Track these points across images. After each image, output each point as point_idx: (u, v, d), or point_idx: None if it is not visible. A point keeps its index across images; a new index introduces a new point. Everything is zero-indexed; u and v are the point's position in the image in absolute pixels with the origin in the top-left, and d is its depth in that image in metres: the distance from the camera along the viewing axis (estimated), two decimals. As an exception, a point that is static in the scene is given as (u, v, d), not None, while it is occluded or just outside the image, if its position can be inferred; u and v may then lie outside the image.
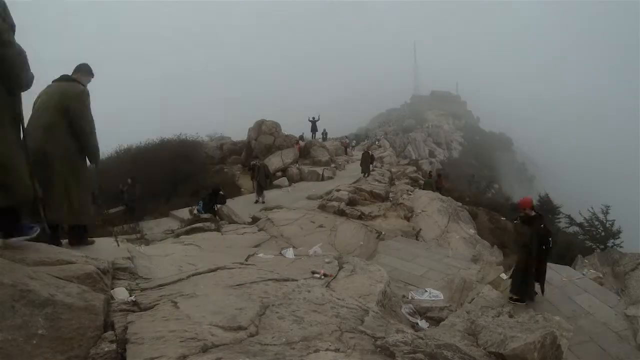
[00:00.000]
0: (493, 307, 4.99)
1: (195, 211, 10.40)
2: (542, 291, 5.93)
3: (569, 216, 19.98)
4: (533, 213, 5.92)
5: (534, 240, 5.59)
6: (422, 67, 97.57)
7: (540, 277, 5.86)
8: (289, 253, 5.95)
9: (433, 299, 5.95)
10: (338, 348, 1.88)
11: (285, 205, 11.67)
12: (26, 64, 2.16)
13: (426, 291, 6.22)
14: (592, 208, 18.90)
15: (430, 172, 22.47)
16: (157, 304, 2.19)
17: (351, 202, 11.74)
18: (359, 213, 10.63)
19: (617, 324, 5.53)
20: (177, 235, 8.16)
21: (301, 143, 22.16)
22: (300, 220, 9.58)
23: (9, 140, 2.11)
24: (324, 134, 30.52)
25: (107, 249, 3.80)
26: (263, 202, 12.83)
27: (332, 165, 21.12)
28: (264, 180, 13.46)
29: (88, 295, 1.89)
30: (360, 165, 18.40)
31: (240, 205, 12.20)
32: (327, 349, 1.84)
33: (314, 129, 27.60)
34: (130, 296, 2.34)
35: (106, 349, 1.67)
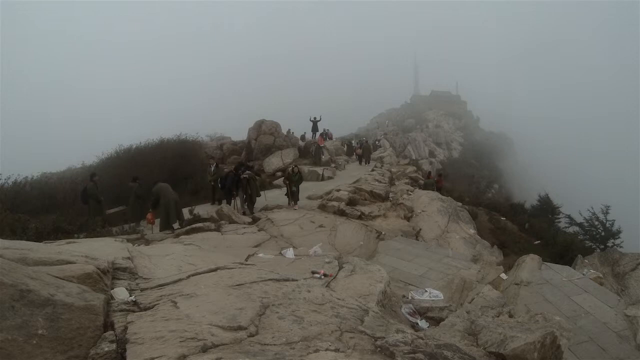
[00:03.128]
0: (493, 307, 4.99)
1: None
2: None
3: (569, 216, 19.99)
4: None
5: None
6: (422, 67, 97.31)
7: None
8: (289, 253, 5.96)
9: (433, 299, 5.95)
10: (338, 348, 1.88)
11: (285, 205, 11.67)
12: None
13: (426, 291, 6.22)
14: (592, 208, 18.91)
15: (429, 172, 22.53)
16: (157, 304, 2.19)
17: (351, 202, 11.73)
18: (359, 213, 10.62)
19: (617, 324, 5.53)
20: (177, 235, 8.16)
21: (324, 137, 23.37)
22: (300, 220, 9.58)
23: None
24: (324, 134, 30.51)
25: (107, 249, 3.80)
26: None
27: (332, 165, 21.11)
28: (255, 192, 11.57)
29: (88, 295, 1.89)
30: (362, 156, 21.43)
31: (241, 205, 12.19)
32: (327, 349, 1.84)
33: (314, 129, 27.56)
34: (130, 296, 2.33)
35: (106, 349, 1.67)
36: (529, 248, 12.29)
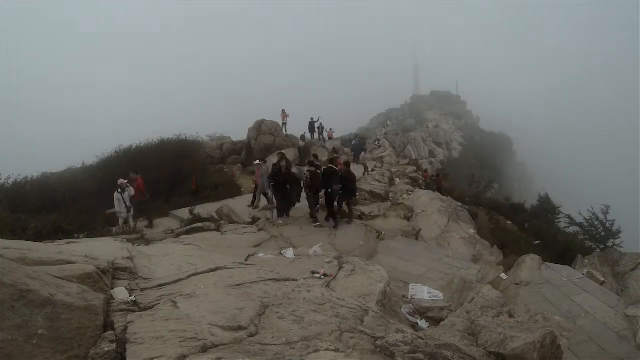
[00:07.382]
0: (493, 307, 4.99)
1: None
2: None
3: (569, 216, 19.96)
4: None
5: None
6: (422, 67, 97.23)
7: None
8: (289, 253, 5.96)
9: (433, 299, 5.95)
10: (338, 348, 1.88)
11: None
12: None
13: (426, 291, 6.21)
14: (592, 208, 18.88)
15: (426, 170, 22.58)
16: (157, 304, 2.19)
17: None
18: (358, 213, 10.62)
19: (617, 324, 5.53)
20: (177, 235, 8.16)
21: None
22: (300, 220, 9.58)
23: None
24: (320, 129, 30.24)
25: (107, 249, 3.79)
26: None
27: (332, 165, 21.06)
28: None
29: (88, 295, 1.89)
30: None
31: (240, 206, 12.19)
32: (327, 349, 1.84)
33: (312, 129, 27.60)
34: (130, 296, 2.33)
35: (106, 349, 1.67)
36: (529, 248, 12.28)
